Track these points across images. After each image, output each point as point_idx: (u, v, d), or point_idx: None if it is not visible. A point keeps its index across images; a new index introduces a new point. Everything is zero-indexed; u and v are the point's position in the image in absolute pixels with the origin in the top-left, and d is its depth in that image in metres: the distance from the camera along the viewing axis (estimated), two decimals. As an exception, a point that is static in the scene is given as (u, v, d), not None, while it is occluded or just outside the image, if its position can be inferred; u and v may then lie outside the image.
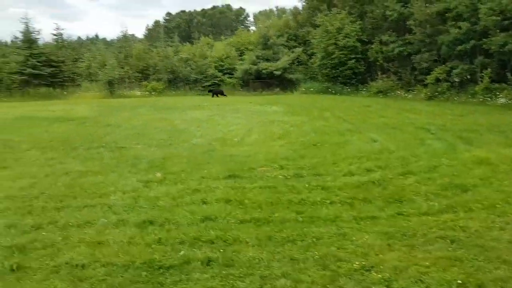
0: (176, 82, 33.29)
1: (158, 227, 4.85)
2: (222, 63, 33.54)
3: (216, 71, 32.62)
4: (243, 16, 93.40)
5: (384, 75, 26.79)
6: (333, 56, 28.32)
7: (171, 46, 38.84)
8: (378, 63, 27.26)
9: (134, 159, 8.18)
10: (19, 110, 18.76)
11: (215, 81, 31.91)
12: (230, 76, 33.00)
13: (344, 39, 27.88)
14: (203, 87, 32.11)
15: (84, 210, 5.44)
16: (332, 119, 13.81)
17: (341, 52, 28.00)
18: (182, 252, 4.19)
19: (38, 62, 29.20)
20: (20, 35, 31.09)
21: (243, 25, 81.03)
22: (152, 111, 17.84)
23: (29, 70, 28.56)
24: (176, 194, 5.99)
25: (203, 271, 3.87)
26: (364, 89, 27.51)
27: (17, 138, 10.71)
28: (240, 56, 34.94)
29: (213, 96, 28.06)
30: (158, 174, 6.96)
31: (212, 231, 4.67)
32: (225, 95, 28.09)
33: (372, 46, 27.25)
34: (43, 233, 4.80)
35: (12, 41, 39.56)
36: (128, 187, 6.36)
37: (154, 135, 11.15)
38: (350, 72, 28.40)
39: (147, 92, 30.70)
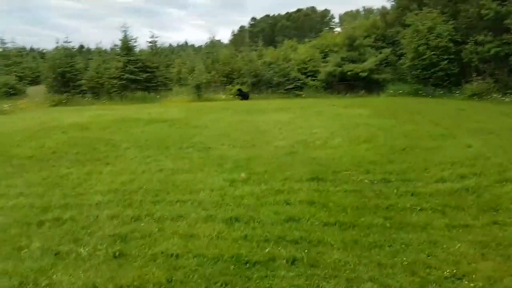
0: (259, 85, 33.92)
1: (244, 224, 5.05)
2: (306, 66, 33.48)
3: (299, 73, 32.67)
4: (328, 17, 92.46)
5: (479, 77, 24.87)
6: (424, 57, 26.93)
7: (255, 50, 39.68)
8: (472, 65, 25.36)
9: (220, 159, 8.54)
10: (119, 112, 20.46)
11: (297, 83, 31.92)
12: (313, 78, 32.86)
13: (436, 39, 26.45)
14: (286, 90, 32.34)
15: (176, 205, 5.84)
16: (423, 123, 13.17)
17: (432, 53, 26.55)
18: (267, 249, 4.33)
19: (135, 68, 31.48)
20: (119, 43, 33.89)
21: (328, 27, 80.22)
22: (236, 114, 18.38)
23: (127, 75, 30.91)
24: (260, 194, 6.17)
25: (288, 269, 3.96)
26: (458, 92, 25.76)
27: (118, 137, 11.74)
28: (324, 58, 34.63)
29: (242, 99, 28.63)
30: (243, 175, 7.19)
31: (296, 231, 4.75)
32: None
33: (466, 46, 25.44)
34: (141, 224, 5.25)
35: (111, 48, 43.28)
36: (215, 185, 6.68)
37: (238, 136, 11.50)
38: (443, 73, 26.77)
39: (231, 96, 31.74)
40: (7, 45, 43.27)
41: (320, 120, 14.63)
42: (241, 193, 6.24)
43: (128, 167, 8.07)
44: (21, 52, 49.92)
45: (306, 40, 45.81)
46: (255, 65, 34.41)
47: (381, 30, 35.00)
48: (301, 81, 32.43)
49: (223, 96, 31.75)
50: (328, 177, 6.88)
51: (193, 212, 5.51)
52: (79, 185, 6.97)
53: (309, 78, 32.96)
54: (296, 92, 31.64)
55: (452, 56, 26.31)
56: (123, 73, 31.12)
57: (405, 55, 29.21)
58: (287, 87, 32.61)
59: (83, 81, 31.65)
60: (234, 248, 4.40)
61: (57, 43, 34.31)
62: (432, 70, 26.84)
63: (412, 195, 5.84)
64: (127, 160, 8.73)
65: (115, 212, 5.70)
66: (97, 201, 6.17)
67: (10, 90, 32.42)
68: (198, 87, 31.43)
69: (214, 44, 38.70)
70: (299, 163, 7.94)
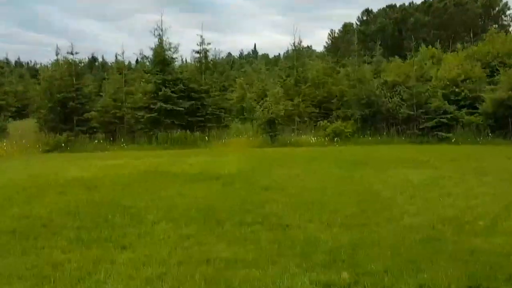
0: (375, 121, 33.81)
1: None
2: (458, 89, 32.89)
3: (446, 102, 32.05)
4: (497, 8, 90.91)
5: None
6: None
7: (369, 63, 39.97)
8: None
9: (305, 244, 8.45)
10: (145, 162, 21.27)
11: (443, 119, 31.32)
12: (472, 111, 31.99)
13: None
14: (422, 129, 31.87)
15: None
16: None
17: None
18: None
19: (173, 92, 32.62)
20: (149, 53, 35.58)
21: (497, 24, 79.01)
22: (335, 168, 18.27)
23: (160, 104, 32.08)
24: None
25: None
26: None
27: (141, 203, 12.11)
28: (492, 76, 33.88)
29: None
30: (345, 274, 7.02)
31: None
32: None
33: None
34: None
35: (138, 62, 45.54)
36: (298, 291, 6.56)
37: (338, 206, 11.41)
38: None
39: (326, 138, 31.82)
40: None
41: (484, 184, 14.30)
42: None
43: (156, 253, 8.19)
44: (1, 68, 53.02)
45: (459, 46, 45.37)
46: (368, 87, 34.51)
47: None
48: (450, 115, 31.82)
49: (313, 139, 32.01)
50: (499, 286, 6.56)
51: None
52: (80, 282, 7.14)
53: (464, 110, 32.27)
54: (441, 133, 31.01)
55: None
56: (154, 101, 32.48)
57: None
58: (425, 124, 32.11)
59: (93, 114, 33.28)
60: None
61: (58, 54, 36.76)
62: None
63: None
64: (155, 241, 8.90)
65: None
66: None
67: (-20, 127, 34.23)
68: (271, 124, 32.00)
69: (299, 53, 39.50)
70: (446, 257, 7.66)
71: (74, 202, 12.35)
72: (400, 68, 37.45)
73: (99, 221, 10.29)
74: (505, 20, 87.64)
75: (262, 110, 32.46)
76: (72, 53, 34.60)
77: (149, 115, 32.30)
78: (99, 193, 13.73)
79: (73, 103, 33.00)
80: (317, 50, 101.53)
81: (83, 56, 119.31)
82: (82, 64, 38.55)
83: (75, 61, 34.98)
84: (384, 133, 32.88)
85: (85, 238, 9.15)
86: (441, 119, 31.54)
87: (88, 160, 22.88)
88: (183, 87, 33.34)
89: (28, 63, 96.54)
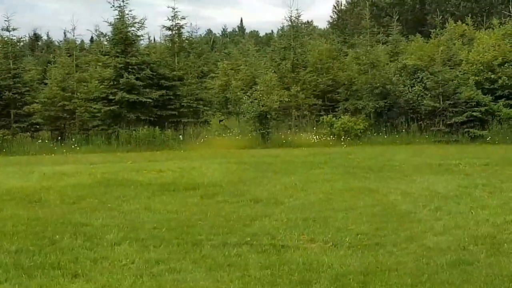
0: (392, 115, 33.91)
1: None
2: (493, 75, 33.05)
3: (479, 92, 32.16)
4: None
5: None
6: None
7: (383, 43, 40.04)
8: None
9: (305, 270, 8.52)
10: (102, 168, 21.23)
11: (475, 112, 31.41)
12: (511, 102, 32.17)
13: None
14: (448, 125, 31.94)
15: None
16: None
17: None
18: None
19: (138, 78, 32.40)
20: (108, 30, 35.52)
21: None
22: (342, 175, 18.37)
23: (121, 94, 31.88)
24: None
25: None
26: None
27: (97, 220, 12.11)
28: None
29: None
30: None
31: None
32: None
33: None
34: None
35: (93, 41, 45.29)
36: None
37: (346, 223, 11.48)
38: None
39: (331, 136, 31.84)
40: None
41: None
42: None
43: (117, 283, 8.22)
44: None
45: (495, 21, 45.52)
46: (383, 73, 34.54)
47: None
48: (484, 108, 31.91)
49: (315, 138, 32.01)
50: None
51: None
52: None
53: (502, 101, 32.36)
54: (473, 130, 31.14)
55: None
56: (113, 90, 32.33)
57: None
58: (453, 119, 32.16)
59: (35, 106, 33.12)
60: None
61: (-10, 30, 36.51)
62: None
63: None
64: (115, 268, 8.92)
65: None
66: None
67: None
68: (263, 119, 31.96)
69: (298, 31, 39.48)
70: (480, 286, 7.72)
71: (11, 219, 12.29)
72: (422, 49, 37.59)
73: (44, 243, 10.27)
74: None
75: (251, 102, 32.34)
76: (8, 30, 34.56)
77: (107, 108, 32.05)
78: (44, 208, 13.69)
79: (10, 93, 32.71)
80: (319, 27, 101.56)
81: (22, 33, 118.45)
82: (21, 44, 38.39)
83: (12, 39, 34.95)
84: (403, 131, 32.97)
85: (26, 264, 9.11)
86: (473, 113, 31.63)
87: (30, 165, 22.80)
88: (150, 72, 33.15)
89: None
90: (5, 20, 33.95)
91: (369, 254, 9.34)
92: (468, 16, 53.81)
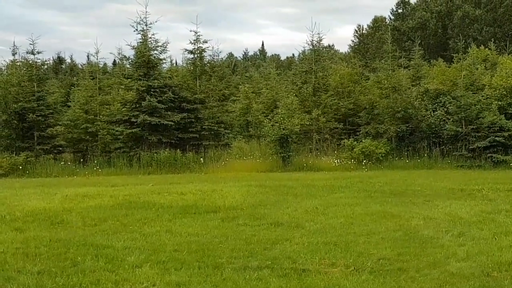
0: (414, 140, 33.78)
1: None
2: (517, 100, 32.85)
3: (500, 116, 31.97)
4: None
5: None
6: None
7: (405, 67, 39.94)
8: None
9: (328, 296, 8.43)
10: (124, 190, 21.24)
11: (498, 137, 31.20)
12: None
13: None
14: (471, 150, 31.76)
15: None
16: None
17: None
18: None
19: (161, 101, 32.43)
20: (130, 53, 35.62)
21: None
22: (364, 199, 18.28)
23: (143, 117, 31.91)
24: None
25: None
26: None
27: (119, 242, 12.10)
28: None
29: None
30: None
31: None
32: None
33: None
34: None
35: (116, 63, 45.40)
36: None
37: (367, 247, 11.42)
38: None
39: (352, 160, 31.73)
40: None
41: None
42: None
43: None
44: None
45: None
46: (405, 98, 34.44)
47: None
48: (507, 132, 31.66)
49: (336, 162, 31.93)
50: None
51: None
52: None
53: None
54: (496, 155, 30.88)
55: None
56: (136, 113, 32.39)
57: None
58: (476, 144, 31.94)
59: (59, 129, 33.18)
60: None
61: (14, 53, 36.76)
62: None
63: None
64: (134, 291, 8.89)
65: None
66: None
67: None
68: (284, 142, 31.94)
69: (318, 54, 39.41)
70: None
71: (33, 240, 12.32)
72: (444, 73, 37.48)
73: (66, 264, 10.28)
74: None
75: (272, 125, 32.32)
76: (33, 53, 34.64)
77: (129, 131, 32.06)
78: (66, 229, 13.74)
79: (34, 115, 32.78)
80: (340, 51, 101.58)
81: (46, 56, 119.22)
82: (45, 67, 38.59)
83: (36, 62, 35.09)
84: (425, 155, 32.78)
85: (49, 286, 9.14)
86: (497, 138, 31.40)
87: (52, 187, 22.85)
88: (172, 95, 33.16)
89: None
90: (30, 44, 34.13)
91: (391, 279, 9.28)
92: (491, 40, 53.66)
